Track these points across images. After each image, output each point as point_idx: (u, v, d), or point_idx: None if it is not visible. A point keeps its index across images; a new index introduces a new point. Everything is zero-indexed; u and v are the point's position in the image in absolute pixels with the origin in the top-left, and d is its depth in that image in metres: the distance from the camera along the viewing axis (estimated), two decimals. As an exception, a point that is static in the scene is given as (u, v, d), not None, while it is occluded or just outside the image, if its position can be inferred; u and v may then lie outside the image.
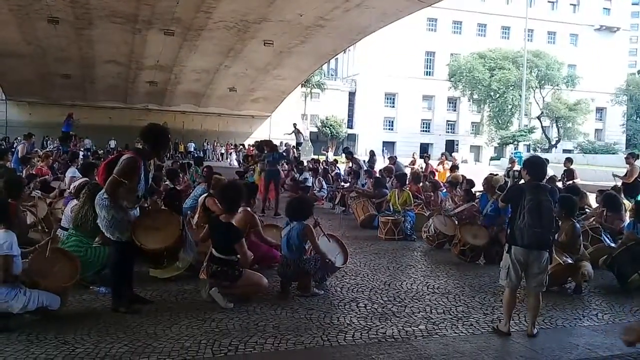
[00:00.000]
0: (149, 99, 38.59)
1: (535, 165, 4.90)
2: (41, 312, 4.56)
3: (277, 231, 7.09)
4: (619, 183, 12.00)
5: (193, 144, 40.97)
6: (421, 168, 16.55)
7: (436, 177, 14.19)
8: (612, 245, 7.24)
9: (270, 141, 13.32)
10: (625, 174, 12.29)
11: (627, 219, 7.95)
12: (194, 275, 5.91)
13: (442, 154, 18.12)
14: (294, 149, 26.00)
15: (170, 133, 5.42)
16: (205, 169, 11.87)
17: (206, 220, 6.69)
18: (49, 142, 32.72)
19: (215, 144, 42.22)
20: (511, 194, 5.01)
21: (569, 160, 14.06)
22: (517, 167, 15.00)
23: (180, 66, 31.45)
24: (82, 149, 26.28)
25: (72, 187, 7.80)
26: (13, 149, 17.41)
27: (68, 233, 5.86)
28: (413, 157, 18.61)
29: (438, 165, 17.19)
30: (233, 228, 5.45)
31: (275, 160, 12.52)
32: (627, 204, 9.70)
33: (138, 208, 5.19)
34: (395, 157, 17.58)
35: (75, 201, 6.29)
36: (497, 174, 11.10)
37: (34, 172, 11.35)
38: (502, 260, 4.86)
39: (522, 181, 5.01)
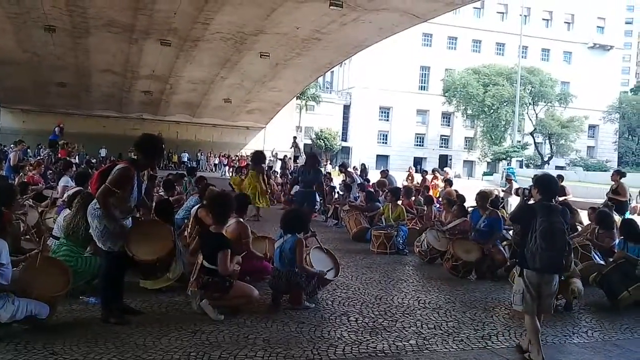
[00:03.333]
0: (143, 109, 38.62)
1: (547, 184, 4.73)
2: (30, 322, 4.53)
3: (270, 243, 7.09)
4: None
5: (186, 154, 40.99)
6: (417, 182, 16.59)
7: (430, 192, 14.23)
8: (602, 262, 7.27)
9: (314, 155, 10.67)
10: (611, 191, 12.13)
11: (617, 237, 7.98)
12: (184, 287, 5.88)
13: (433, 170, 18.13)
14: (291, 161, 26.20)
15: (164, 143, 5.42)
16: (198, 180, 11.74)
17: (198, 232, 6.69)
18: (41, 149, 32.65)
19: (209, 155, 42.24)
20: (521, 215, 4.88)
21: (559, 178, 14.06)
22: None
23: (176, 76, 31.54)
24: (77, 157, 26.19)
25: (65, 196, 7.79)
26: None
27: (59, 242, 5.83)
28: (409, 171, 18.56)
29: (432, 180, 17.21)
30: (221, 238, 5.45)
31: (313, 179, 10.28)
32: (617, 220, 9.72)
33: (131, 218, 5.19)
34: (387, 170, 17.60)
35: (67, 210, 6.27)
36: (489, 189, 11.09)
37: (25, 180, 11.31)
38: (515, 285, 4.73)
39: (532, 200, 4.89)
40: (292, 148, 29.34)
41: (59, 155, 20.42)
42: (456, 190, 12.46)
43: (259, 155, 12.83)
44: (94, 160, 26.92)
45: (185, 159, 40.20)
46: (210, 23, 21.92)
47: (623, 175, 12.25)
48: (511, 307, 5.19)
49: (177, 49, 25.70)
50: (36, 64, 28.90)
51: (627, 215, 11.35)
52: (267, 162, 14.10)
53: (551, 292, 4.62)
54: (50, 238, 6.29)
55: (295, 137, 30.48)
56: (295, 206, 9.29)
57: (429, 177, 16.38)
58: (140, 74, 31.10)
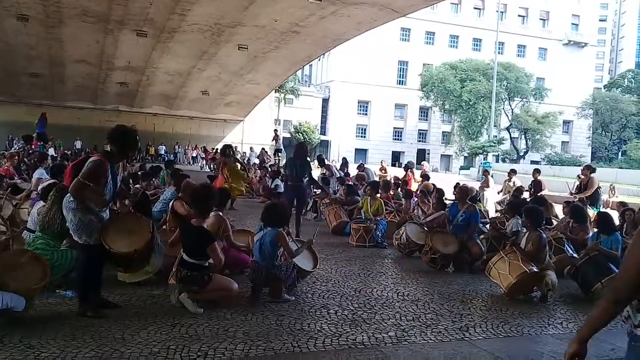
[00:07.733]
0: (119, 100, 38.06)
1: None
2: (6, 315, 4.45)
3: (250, 236, 7.08)
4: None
5: (164, 147, 40.53)
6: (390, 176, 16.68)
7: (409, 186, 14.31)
8: (575, 255, 7.41)
9: (303, 145, 9.73)
10: (580, 188, 12.43)
11: (591, 231, 8.14)
12: (163, 280, 5.84)
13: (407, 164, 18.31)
14: (270, 155, 26.15)
15: (137, 135, 5.35)
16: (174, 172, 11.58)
17: (176, 224, 6.64)
18: (14, 141, 31.99)
19: (187, 148, 41.87)
20: None
21: (537, 171, 14.29)
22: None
23: (152, 68, 31.13)
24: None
25: (39, 188, 7.65)
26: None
27: (35, 235, 5.73)
28: (382, 164, 18.69)
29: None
30: (204, 232, 5.42)
31: (302, 172, 9.31)
32: (592, 214, 9.91)
33: (108, 211, 5.12)
34: (363, 164, 17.72)
35: (41, 202, 6.16)
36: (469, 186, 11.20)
37: (0, 173, 11.07)
38: None
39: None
40: (273, 141, 29.33)
41: (33, 145, 19.96)
42: (434, 184, 12.60)
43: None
44: (68, 152, 26.49)
45: (163, 152, 39.77)
46: (187, 14, 21.67)
47: (593, 170, 12.63)
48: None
49: (153, 40, 25.36)
50: (8, 53, 28.24)
51: (600, 209, 11.60)
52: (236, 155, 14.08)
53: None
54: (25, 231, 6.18)
55: (276, 130, 30.36)
56: (284, 202, 8.60)
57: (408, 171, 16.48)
58: (115, 65, 30.62)
